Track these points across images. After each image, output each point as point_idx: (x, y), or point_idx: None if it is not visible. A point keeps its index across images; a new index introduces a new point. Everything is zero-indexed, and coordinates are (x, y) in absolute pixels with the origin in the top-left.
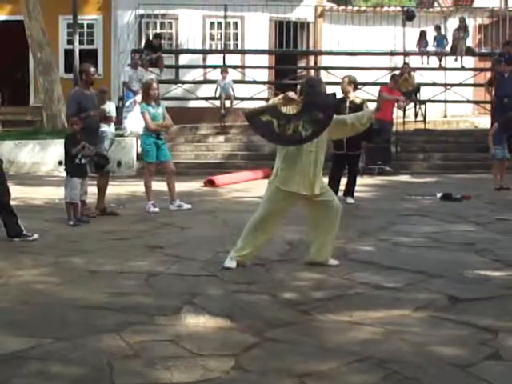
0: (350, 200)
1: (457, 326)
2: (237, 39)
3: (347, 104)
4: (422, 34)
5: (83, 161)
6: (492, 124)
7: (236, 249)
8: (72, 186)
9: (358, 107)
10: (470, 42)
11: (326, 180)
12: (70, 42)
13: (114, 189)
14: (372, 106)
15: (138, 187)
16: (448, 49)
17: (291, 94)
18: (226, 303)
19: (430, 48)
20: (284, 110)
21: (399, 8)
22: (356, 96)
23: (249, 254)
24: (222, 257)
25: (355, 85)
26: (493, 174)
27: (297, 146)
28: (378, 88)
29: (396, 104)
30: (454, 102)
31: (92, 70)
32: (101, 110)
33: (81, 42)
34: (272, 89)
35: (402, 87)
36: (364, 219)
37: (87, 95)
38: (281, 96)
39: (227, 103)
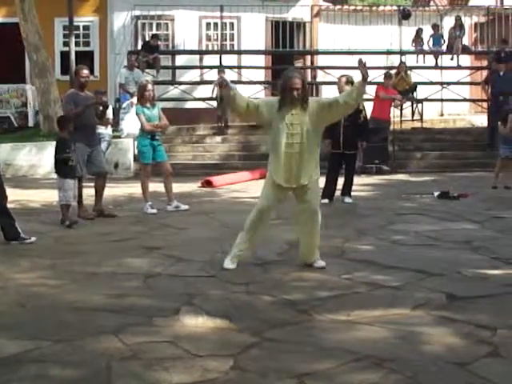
0: (347, 199)
1: (455, 324)
2: (233, 40)
3: None
4: (418, 33)
5: (74, 162)
6: (489, 122)
7: (239, 249)
8: (66, 188)
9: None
10: (466, 41)
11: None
12: (66, 44)
13: (112, 190)
14: (368, 104)
15: (135, 189)
16: (444, 47)
17: None
18: (225, 304)
19: (426, 46)
20: None
21: (395, 7)
22: None
23: (248, 251)
24: (220, 257)
25: (352, 84)
26: (494, 172)
27: (277, 139)
28: (374, 87)
29: (393, 103)
30: (451, 101)
31: (84, 72)
32: (99, 99)
33: (77, 44)
34: (269, 89)
35: (399, 86)
36: (362, 218)
37: (82, 96)
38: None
39: None
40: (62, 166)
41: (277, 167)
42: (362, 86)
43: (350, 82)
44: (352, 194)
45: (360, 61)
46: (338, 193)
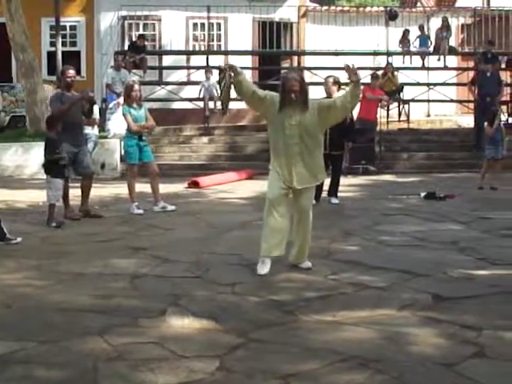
0: (334, 200)
1: (441, 324)
2: (220, 40)
3: None
4: (405, 34)
5: (64, 162)
6: (476, 123)
7: (262, 250)
8: (56, 187)
9: None
10: (452, 42)
11: None
12: (52, 44)
13: (98, 191)
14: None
15: (121, 189)
16: (431, 48)
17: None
18: (211, 304)
19: (413, 47)
20: None
21: (382, 8)
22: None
23: (278, 248)
24: (206, 258)
25: (339, 85)
26: (480, 173)
27: (276, 139)
28: (361, 88)
29: (379, 104)
30: (438, 102)
31: (70, 72)
32: (85, 95)
33: (63, 44)
34: None
35: (386, 87)
36: (348, 219)
37: (69, 96)
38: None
39: (211, 104)
40: (53, 166)
41: (280, 166)
42: (354, 88)
43: (336, 82)
44: (338, 194)
45: (347, 66)
46: (324, 194)
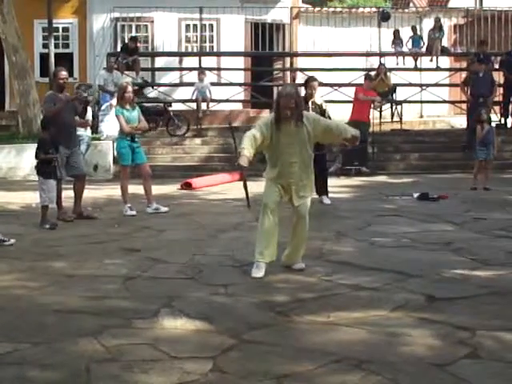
0: (326, 200)
1: (434, 325)
2: (212, 41)
3: (310, 105)
4: (396, 34)
5: (56, 163)
6: (468, 124)
7: (257, 254)
8: (49, 189)
9: (320, 108)
10: (445, 42)
11: None
12: (45, 45)
13: (91, 192)
14: (348, 106)
15: (114, 191)
16: (424, 49)
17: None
18: (204, 306)
19: (405, 48)
20: None
21: (374, 9)
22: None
23: (271, 252)
24: (199, 259)
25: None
26: (473, 174)
27: (276, 157)
28: (353, 89)
29: (372, 105)
30: (430, 102)
31: (62, 74)
32: (78, 95)
33: (56, 46)
34: (248, 91)
35: (378, 88)
36: (341, 220)
37: (61, 98)
38: None
39: (203, 105)
40: (45, 167)
41: (277, 177)
42: (350, 139)
43: (320, 83)
44: (331, 195)
45: (356, 135)
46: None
